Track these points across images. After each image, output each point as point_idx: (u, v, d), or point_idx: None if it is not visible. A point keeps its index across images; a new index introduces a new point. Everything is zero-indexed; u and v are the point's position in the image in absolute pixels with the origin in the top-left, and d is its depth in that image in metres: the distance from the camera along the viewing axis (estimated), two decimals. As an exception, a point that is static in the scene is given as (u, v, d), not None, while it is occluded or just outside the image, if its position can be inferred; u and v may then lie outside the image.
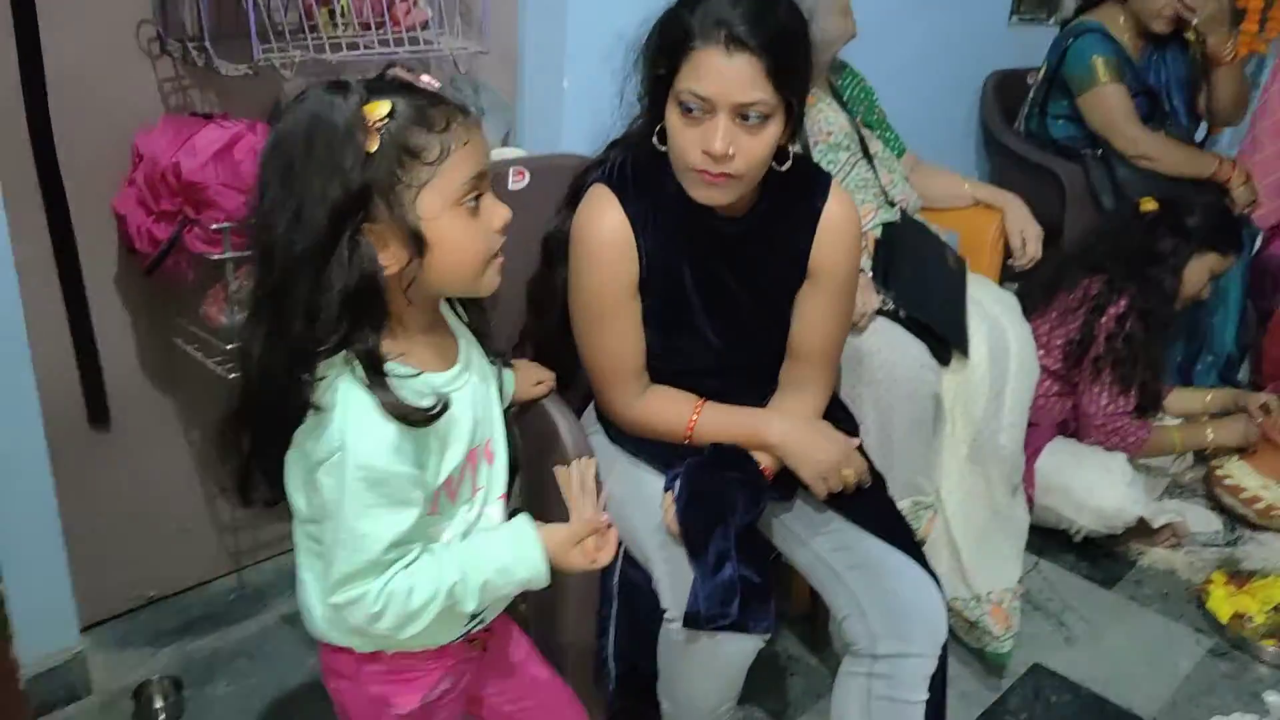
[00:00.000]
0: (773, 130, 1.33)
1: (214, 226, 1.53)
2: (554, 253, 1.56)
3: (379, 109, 0.97)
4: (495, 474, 1.19)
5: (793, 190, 1.47)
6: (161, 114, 1.66)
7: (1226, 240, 2.34)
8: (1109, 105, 2.63)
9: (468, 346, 1.18)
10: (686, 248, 1.47)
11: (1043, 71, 2.78)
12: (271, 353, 1.01)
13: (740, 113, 1.30)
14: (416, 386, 1.05)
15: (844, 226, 1.50)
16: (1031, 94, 2.84)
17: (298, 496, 1.07)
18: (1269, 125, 2.93)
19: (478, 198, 1.04)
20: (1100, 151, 2.68)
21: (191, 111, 1.68)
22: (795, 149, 1.47)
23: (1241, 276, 2.75)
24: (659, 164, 1.43)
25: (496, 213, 1.06)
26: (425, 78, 1.05)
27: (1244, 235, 2.59)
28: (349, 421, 1.00)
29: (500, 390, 1.23)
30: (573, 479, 1.19)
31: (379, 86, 1.00)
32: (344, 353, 1.00)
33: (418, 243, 1.00)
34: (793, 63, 1.32)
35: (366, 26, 1.72)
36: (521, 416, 1.52)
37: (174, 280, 1.65)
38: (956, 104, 2.98)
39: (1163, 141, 2.65)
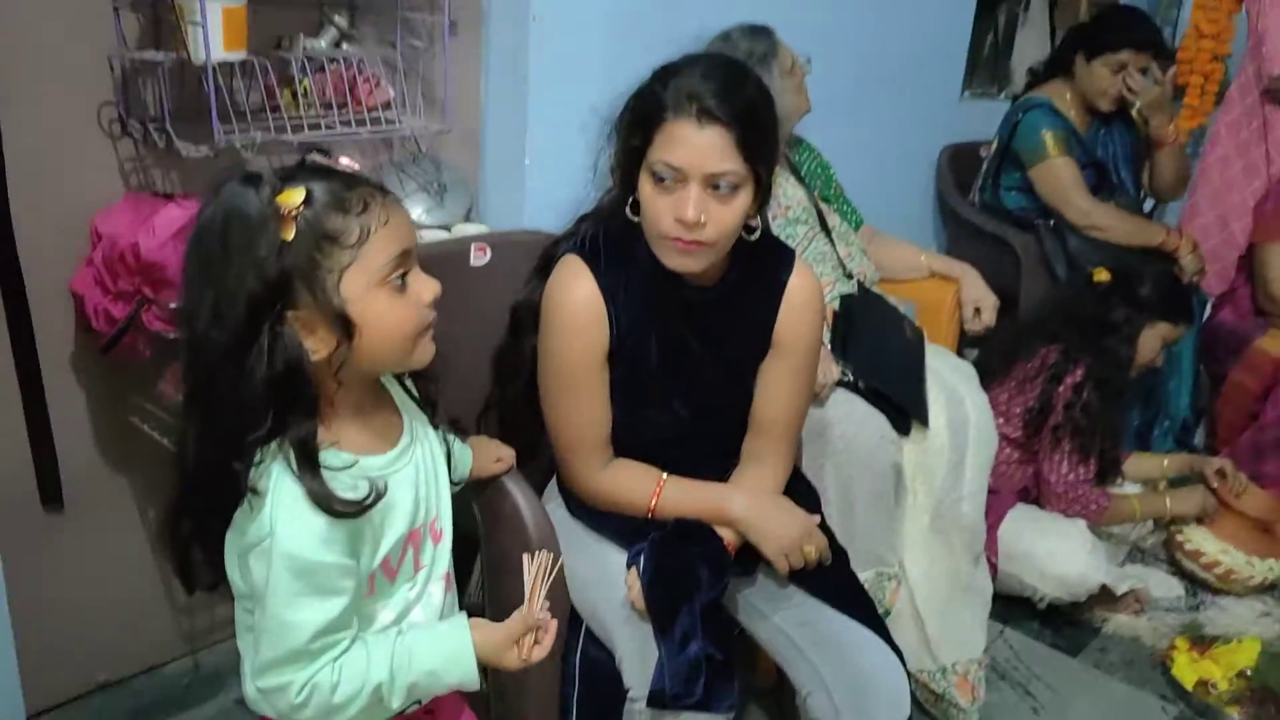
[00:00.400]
0: (742, 200, 1.37)
1: (172, 305, 1.53)
2: (522, 322, 1.57)
3: (293, 197, 0.98)
4: (440, 552, 1.18)
5: (759, 263, 1.50)
6: (122, 194, 1.66)
7: (1178, 310, 2.39)
8: (1058, 177, 2.71)
9: (412, 422, 1.17)
10: (656, 318, 1.49)
11: (995, 145, 2.86)
12: (205, 443, 1.01)
13: (711, 182, 1.34)
14: (351, 475, 1.04)
15: (807, 299, 1.53)
16: (985, 166, 2.92)
17: (234, 573, 1.07)
18: (1208, 192, 3.04)
19: (404, 275, 1.04)
20: (1052, 222, 2.75)
21: (152, 191, 1.68)
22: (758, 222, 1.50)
23: (1194, 343, 2.81)
24: (630, 235, 1.45)
25: (426, 287, 1.07)
26: (344, 160, 1.07)
27: (1195, 303, 2.65)
28: (279, 510, 1.00)
29: (450, 462, 1.23)
30: (532, 571, 1.17)
31: (293, 174, 1.01)
32: (278, 439, 1.00)
33: (345, 325, 1.01)
34: (761, 135, 1.37)
35: (329, 107, 1.74)
36: (481, 492, 1.51)
37: (130, 359, 1.63)
38: (912, 176, 3.05)
39: (1111, 212, 2.73)
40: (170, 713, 1.91)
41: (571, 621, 1.53)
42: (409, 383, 1.23)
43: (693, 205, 1.33)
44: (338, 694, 1.04)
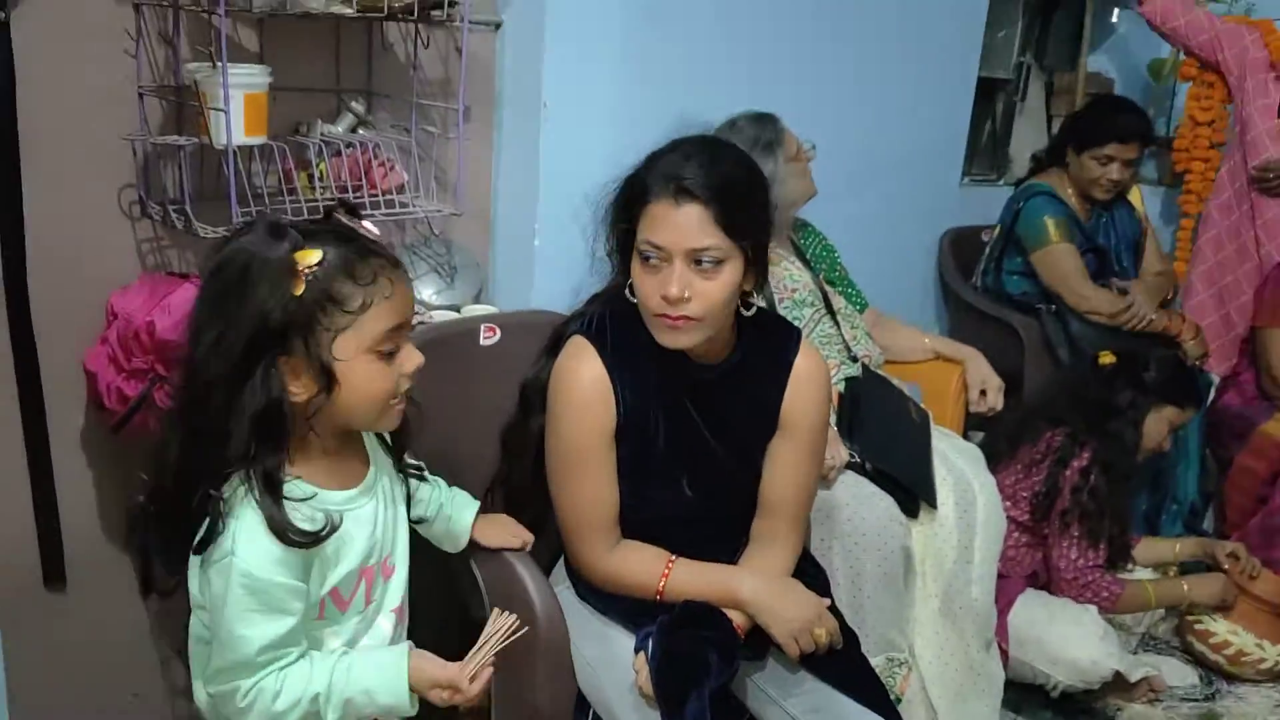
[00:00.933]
0: (728, 274, 1.39)
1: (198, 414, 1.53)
2: (530, 400, 1.58)
3: (310, 257, 1.06)
4: (391, 588, 1.26)
5: (765, 342, 1.52)
6: (139, 274, 1.68)
7: (1184, 394, 2.39)
8: (1060, 263, 2.74)
9: (378, 471, 1.25)
10: (662, 397, 1.50)
11: (997, 230, 2.90)
12: (183, 460, 1.10)
13: (694, 258, 1.37)
14: (310, 506, 1.12)
15: (814, 379, 1.54)
16: (987, 251, 2.95)
17: (194, 585, 1.14)
18: (1202, 271, 3.08)
19: (394, 348, 1.13)
20: (1054, 306, 2.77)
21: (168, 271, 1.71)
22: (760, 301, 1.52)
23: (1200, 427, 2.80)
24: (634, 316, 1.47)
25: (410, 359, 1.15)
26: (366, 224, 1.14)
27: (1201, 386, 2.65)
28: (240, 531, 1.08)
29: (408, 505, 1.32)
30: (494, 628, 1.22)
31: (315, 233, 1.09)
32: (247, 467, 1.09)
33: (328, 379, 1.08)
34: (743, 210, 1.40)
35: (344, 189, 1.77)
36: (487, 568, 1.50)
37: (140, 437, 1.64)
38: (914, 260, 3.08)
39: (1112, 298, 2.75)
40: (165, 799, 1.87)
41: (579, 706, 1.51)
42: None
43: (675, 281, 1.37)
44: (279, 701, 1.11)
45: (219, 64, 1.48)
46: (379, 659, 1.18)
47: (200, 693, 1.20)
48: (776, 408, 1.53)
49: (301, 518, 1.11)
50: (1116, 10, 3.54)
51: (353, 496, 1.20)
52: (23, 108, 1.50)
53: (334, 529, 1.13)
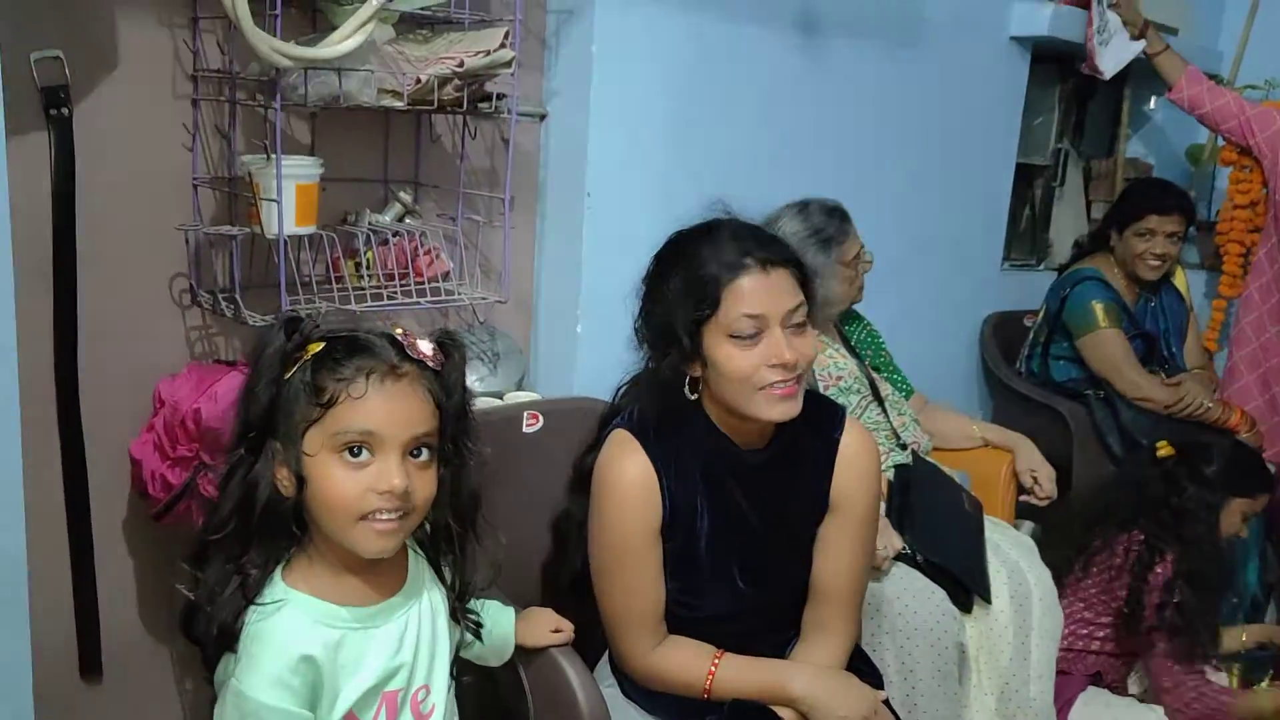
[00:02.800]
0: (811, 332, 1.42)
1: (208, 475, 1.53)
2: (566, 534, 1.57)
3: (311, 348, 1.07)
4: None
5: (810, 422, 1.49)
6: (187, 362, 1.69)
7: (1251, 482, 2.30)
8: (1108, 349, 2.70)
9: (411, 597, 1.17)
10: (709, 485, 1.47)
11: (1042, 315, 2.88)
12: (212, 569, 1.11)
13: (788, 321, 1.38)
14: (309, 616, 1.08)
15: (863, 457, 1.52)
16: (1031, 336, 2.92)
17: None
18: (1245, 354, 3.00)
19: (358, 451, 1.05)
20: (1103, 393, 2.73)
21: (216, 359, 1.72)
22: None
23: (1258, 519, 2.71)
24: (680, 408, 1.45)
25: (384, 478, 1.06)
26: (422, 345, 1.10)
27: (1266, 468, 2.56)
28: (243, 649, 1.06)
29: (456, 650, 1.23)
30: None
31: (335, 334, 1.09)
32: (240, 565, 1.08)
33: (298, 475, 1.06)
34: (805, 265, 1.45)
35: (390, 278, 1.78)
36: (532, 665, 1.46)
37: (182, 526, 1.63)
38: (957, 345, 3.06)
39: (1162, 385, 2.70)
40: None
41: (625, 810, 1.45)
42: (441, 562, 1.23)
43: (787, 346, 1.37)
44: None
45: (273, 156, 1.51)
46: None
47: None
48: (826, 488, 1.50)
49: (303, 625, 1.07)
50: (1153, 98, 3.55)
51: (367, 615, 1.12)
52: (81, 198, 1.53)
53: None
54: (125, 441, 1.65)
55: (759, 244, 1.40)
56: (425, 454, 1.10)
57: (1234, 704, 2.13)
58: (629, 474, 1.44)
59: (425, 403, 1.09)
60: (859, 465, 1.51)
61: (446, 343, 1.14)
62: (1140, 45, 2.90)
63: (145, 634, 1.78)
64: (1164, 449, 2.32)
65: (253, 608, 1.07)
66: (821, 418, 1.52)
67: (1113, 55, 2.92)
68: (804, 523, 1.52)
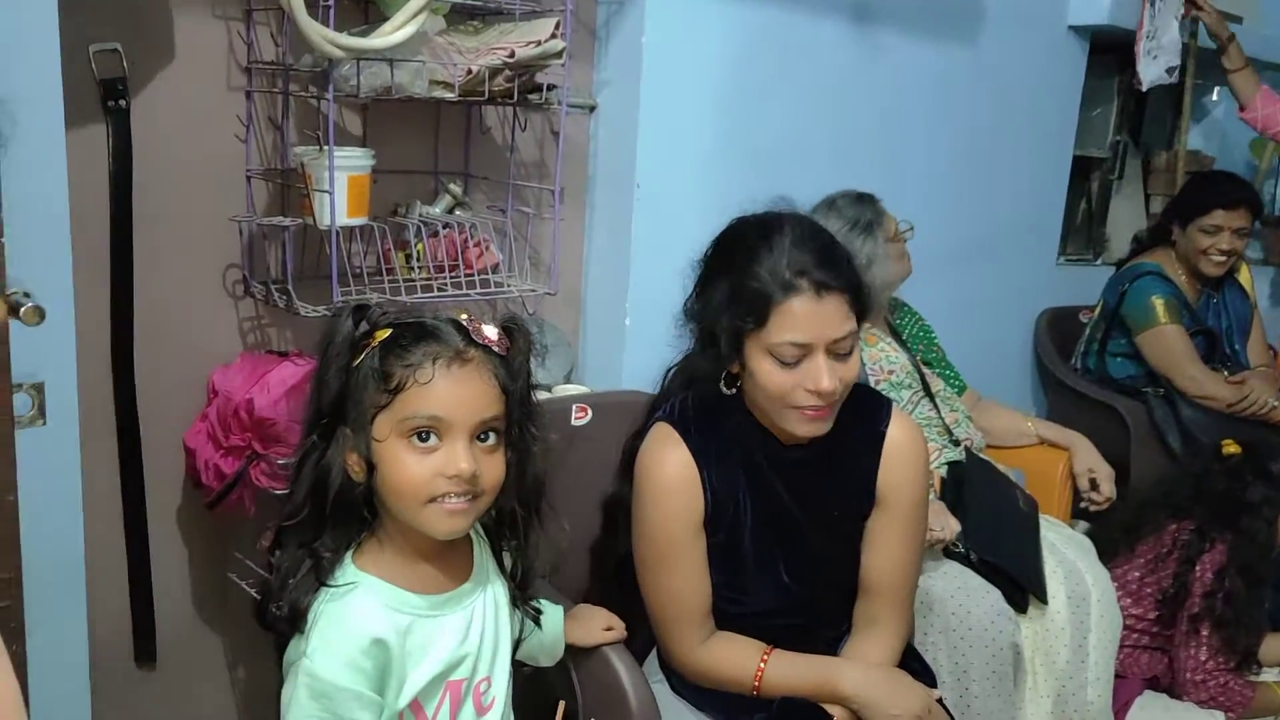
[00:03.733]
0: (857, 354, 1.38)
1: (280, 462, 1.54)
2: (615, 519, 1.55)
3: (379, 335, 1.08)
4: None
5: (855, 414, 1.46)
6: (239, 352, 1.71)
7: None
8: (1169, 345, 2.63)
9: (478, 587, 1.18)
10: (751, 480, 1.45)
11: (1099, 311, 2.81)
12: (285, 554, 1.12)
13: (834, 348, 1.34)
14: (382, 604, 1.08)
15: (910, 449, 1.49)
16: (1088, 332, 2.86)
17: (283, 688, 1.10)
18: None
19: (426, 436, 1.06)
20: (1162, 391, 2.66)
21: (268, 350, 1.73)
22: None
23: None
24: (721, 401, 1.43)
25: (453, 462, 1.06)
26: (486, 329, 1.11)
27: None
28: (314, 631, 1.06)
29: (516, 643, 1.24)
30: None
31: (403, 320, 1.10)
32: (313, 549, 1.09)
33: (368, 460, 1.07)
34: (863, 288, 1.39)
35: (440, 270, 1.78)
36: (582, 663, 1.45)
37: (234, 515, 1.64)
38: (1010, 341, 3.00)
39: (1225, 383, 2.63)
40: None
41: (674, 806, 1.44)
42: (506, 554, 1.24)
43: (827, 375, 1.33)
44: None
45: (326, 147, 1.51)
46: None
47: None
48: (872, 481, 1.48)
49: (374, 610, 1.08)
50: (1216, 89, 3.46)
51: (436, 602, 1.13)
52: (137, 189, 1.54)
53: None
54: (179, 431, 1.67)
55: (819, 262, 1.34)
56: (493, 438, 1.10)
57: (1254, 697, 2.08)
58: (669, 467, 1.43)
59: (491, 387, 1.10)
60: (906, 458, 1.48)
61: (511, 328, 1.14)
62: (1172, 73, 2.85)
63: (199, 622, 1.80)
64: (1229, 446, 2.26)
65: (324, 589, 1.08)
66: (868, 410, 1.49)
67: (1154, 70, 2.86)
68: (851, 517, 1.49)
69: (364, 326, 1.08)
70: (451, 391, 1.07)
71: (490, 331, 1.11)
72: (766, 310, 1.33)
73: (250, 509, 1.62)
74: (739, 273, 1.37)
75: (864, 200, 2.07)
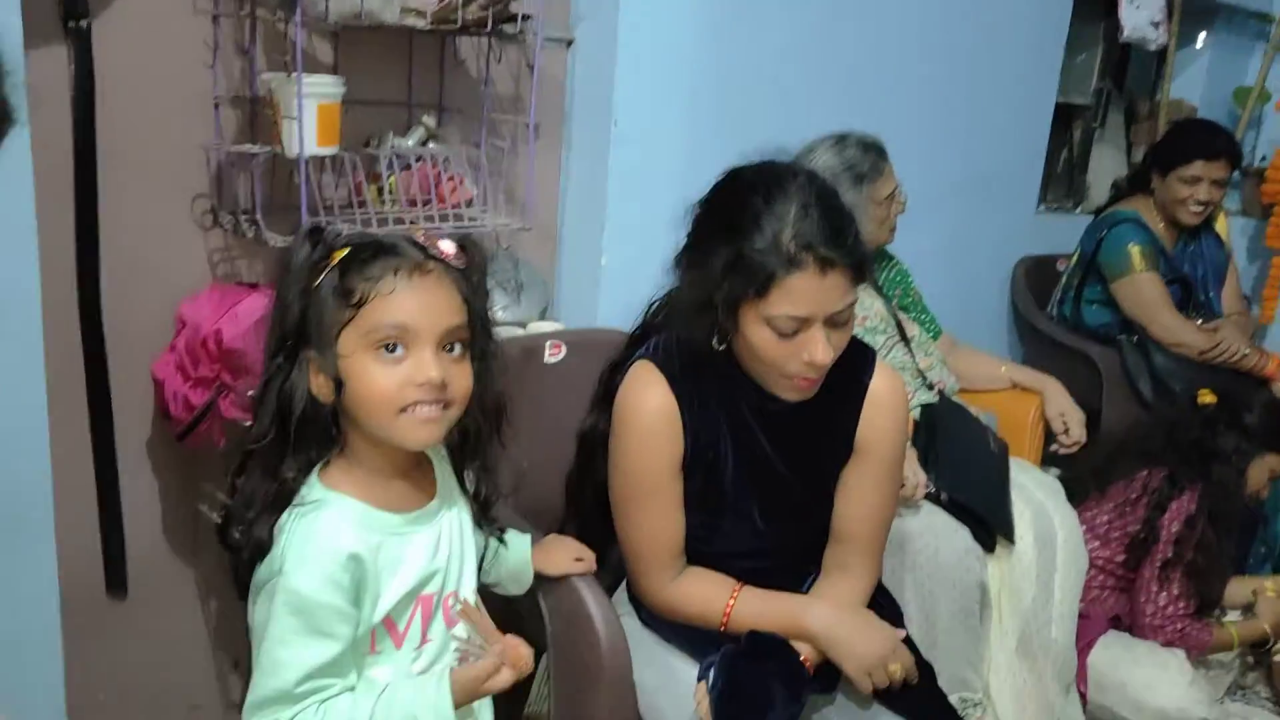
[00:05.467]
0: (851, 320, 1.35)
1: (249, 393, 1.52)
2: (592, 448, 1.54)
3: (336, 255, 1.07)
4: (451, 636, 1.18)
5: (838, 366, 1.45)
6: (209, 283, 1.69)
7: None
8: (1144, 293, 2.64)
9: (444, 504, 1.19)
10: (732, 427, 1.44)
11: (1076, 258, 2.82)
12: (247, 478, 1.12)
13: (832, 319, 1.31)
14: (353, 523, 1.09)
15: (891, 401, 1.48)
16: (1064, 280, 2.87)
17: (251, 612, 1.10)
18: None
19: (394, 347, 1.06)
20: (1136, 338, 2.67)
21: (238, 281, 1.71)
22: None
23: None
24: (707, 351, 1.40)
25: (421, 370, 1.07)
26: (443, 244, 1.11)
27: None
28: (290, 547, 1.06)
29: (481, 560, 1.26)
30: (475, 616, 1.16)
31: (358, 239, 1.09)
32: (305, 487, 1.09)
33: (336, 379, 1.06)
34: (866, 260, 1.35)
35: (413, 203, 1.76)
36: (551, 593, 1.46)
37: (203, 447, 1.63)
38: (987, 288, 3.01)
39: (1198, 330, 2.65)
40: (218, 814, 1.85)
41: (640, 735, 1.46)
42: (470, 476, 1.24)
43: (822, 348, 1.30)
44: None
45: (294, 74, 1.48)
46: (418, 681, 1.12)
47: None
48: (851, 432, 1.47)
49: (349, 527, 1.08)
50: (1201, 35, 3.44)
51: (406, 520, 1.14)
52: (101, 116, 1.51)
53: None
54: (148, 362, 1.65)
55: (825, 237, 1.28)
56: (458, 349, 1.10)
57: (1210, 641, 2.13)
58: (650, 405, 1.41)
59: (453, 297, 1.10)
60: (887, 409, 1.47)
61: (466, 244, 1.14)
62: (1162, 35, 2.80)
63: (170, 552, 1.80)
64: (1205, 396, 2.28)
65: (292, 509, 1.08)
66: (852, 361, 1.47)
67: (1137, 18, 2.82)
68: (828, 466, 1.49)
69: (321, 249, 1.08)
70: (415, 300, 1.07)
71: (447, 246, 1.11)
72: (768, 284, 1.29)
73: (220, 440, 1.61)
74: (740, 240, 1.31)
75: (870, 150, 2.03)
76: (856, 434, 1.47)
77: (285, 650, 1.04)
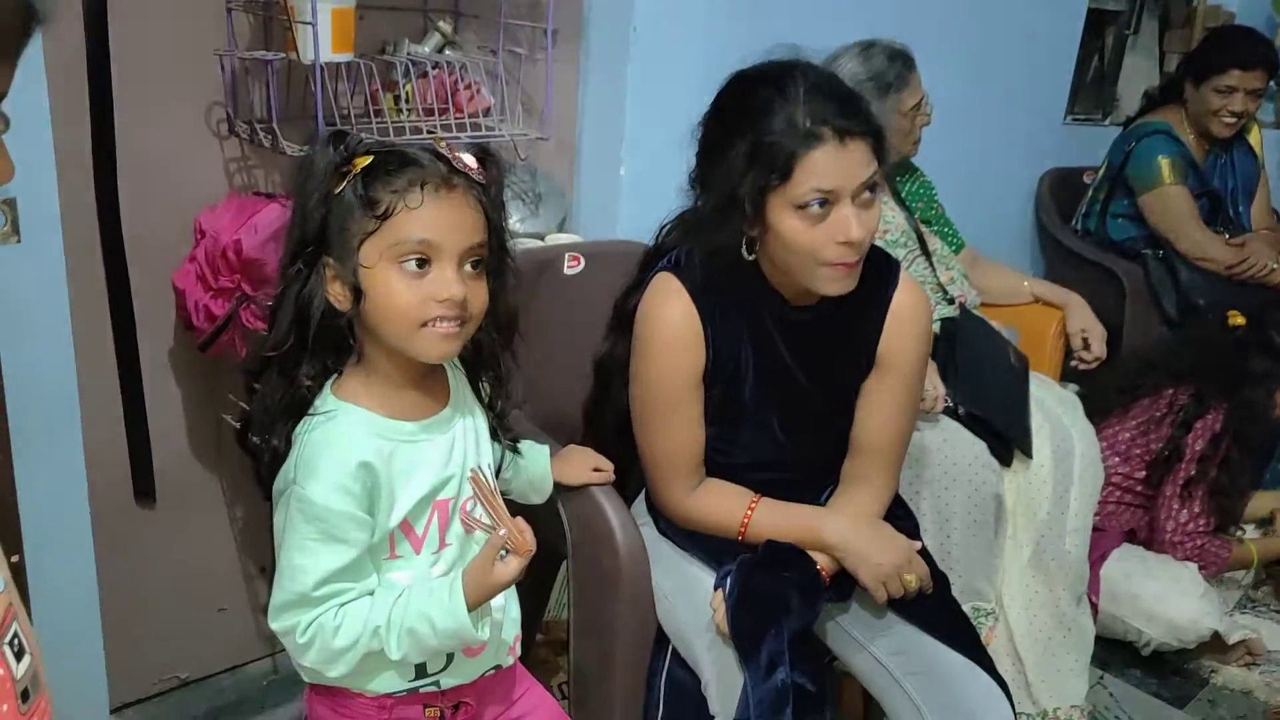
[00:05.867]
0: (878, 202, 1.34)
1: (269, 303, 1.53)
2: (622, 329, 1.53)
3: (359, 162, 1.06)
4: (471, 541, 1.19)
5: (863, 279, 1.44)
6: (226, 193, 1.68)
7: None
8: (1172, 206, 2.60)
9: (457, 413, 1.20)
10: (755, 339, 1.44)
11: (1103, 171, 2.76)
12: (264, 387, 1.12)
13: (858, 194, 1.30)
14: (367, 431, 1.10)
15: (915, 315, 1.47)
16: (1090, 193, 2.82)
17: (276, 515, 1.12)
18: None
19: (421, 261, 1.06)
20: (1161, 253, 2.64)
21: (255, 191, 1.70)
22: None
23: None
24: (732, 259, 1.39)
25: (444, 286, 1.07)
26: (465, 156, 1.09)
27: None
28: (302, 457, 1.08)
29: (497, 470, 1.26)
30: (481, 494, 1.15)
31: (381, 148, 1.08)
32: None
33: (355, 288, 1.06)
34: (883, 133, 1.33)
35: (430, 112, 1.74)
36: (571, 502, 1.48)
37: (226, 357, 1.64)
38: (1011, 201, 2.96)
39: (1225, 245, 2.61)
40: (249, 713, 1.91)
41: (658, 641, 1.49)
42: (484, 386, 1.25)
43: (856, 224, 1.29)
44: (339, 637, 1.07)
45: (307, -24, 1.45)
46: (434, 584, 1.12)
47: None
48: (874, 346, 1.46)
49: (361, 435, 1.09)
50: (1241, -62, 3.32)
51: (419, 427, 1.14)
52: (112, 23, 1.49)
53: None
54: (168, 272, 1.65)
55: (838, 110, 1.29)
56: (478, 265, 1.11)
57: (1229, 558, 2.15)
58: (673, 318, 1.41)
59: (478, 214, 1.10)
60: (910, 323, 1.46)
61: (485, 157, 1.13)
62: None
63: (195, 460, 1.83)
64: (1235, 317, 2.26)
65: (306, 419, 1.09)
66: (876, 272, 1.46)
67: None
68: (849, 378, 1.48)
69: (342, 153, 1.06)
70: (441, 216, 1.06)
71: (469, 159, 1.10)
72: (791, 164, 1.28)
73: (241, 350, 1.62)
74: (755, 130, 1.31)
75: (897, 59, 1.98)
76: (879, 346, 1.46)
77: (303, 556, 1.06)
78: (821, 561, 1.45)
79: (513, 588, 1.19)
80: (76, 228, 1.53)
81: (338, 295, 1.08)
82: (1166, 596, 2.10)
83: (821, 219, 1.30)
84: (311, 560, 1.06)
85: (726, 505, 1.48)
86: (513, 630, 1.24)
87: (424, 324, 1.07)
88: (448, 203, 1.07)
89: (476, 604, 1.09)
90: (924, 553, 1.52)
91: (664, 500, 1.51)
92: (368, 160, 1.06)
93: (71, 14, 1.46)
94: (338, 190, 1.05)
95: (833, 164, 1.28)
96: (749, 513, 1.47)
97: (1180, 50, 3.21)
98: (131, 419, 1.69)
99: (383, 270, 1.06)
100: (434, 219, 1.06)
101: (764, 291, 1.41)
